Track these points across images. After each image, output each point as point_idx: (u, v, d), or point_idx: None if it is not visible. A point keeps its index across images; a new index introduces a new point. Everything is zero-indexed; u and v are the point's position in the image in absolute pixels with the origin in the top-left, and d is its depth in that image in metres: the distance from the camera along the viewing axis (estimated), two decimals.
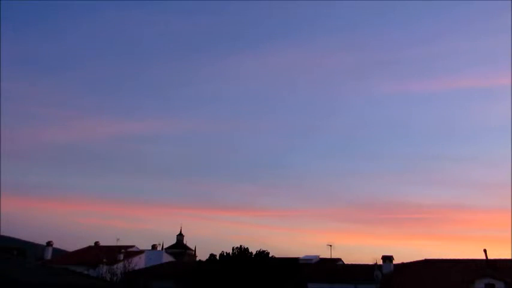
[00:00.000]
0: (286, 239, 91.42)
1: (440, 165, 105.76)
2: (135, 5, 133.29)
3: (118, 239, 45.89)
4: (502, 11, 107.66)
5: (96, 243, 48.43)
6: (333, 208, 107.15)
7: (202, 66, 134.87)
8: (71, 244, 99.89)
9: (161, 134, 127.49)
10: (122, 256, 39.69)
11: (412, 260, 32.65)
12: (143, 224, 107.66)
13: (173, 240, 70.98)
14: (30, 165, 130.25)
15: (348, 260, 37.97)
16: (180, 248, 67.82)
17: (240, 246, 30.67)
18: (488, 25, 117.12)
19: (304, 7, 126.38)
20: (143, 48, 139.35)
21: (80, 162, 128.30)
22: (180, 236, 71.34)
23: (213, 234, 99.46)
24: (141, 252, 44.35)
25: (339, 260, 37.68)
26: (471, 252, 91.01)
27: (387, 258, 31.62)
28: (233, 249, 30.58)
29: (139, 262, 39.98)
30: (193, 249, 69.62)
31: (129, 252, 42.92)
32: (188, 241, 71.90)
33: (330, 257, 37.74)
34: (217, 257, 30.82)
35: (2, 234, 54.12)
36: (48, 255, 42.84)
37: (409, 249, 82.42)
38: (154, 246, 47.81)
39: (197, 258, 55.15)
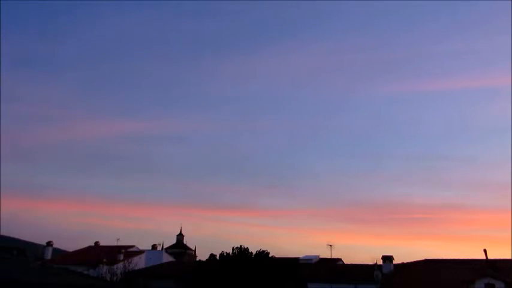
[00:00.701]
0: (286, 239, 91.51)
1: (440, 165, 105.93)
2: (138, 5, 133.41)
3: (118, 239, 46.03)
4: (502, 11, 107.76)
5: (96, 243, 48.45)
6: (333, 208, 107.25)
7: (203, 67, 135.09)
8: (71, 244, 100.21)
9: (161, 134, 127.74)
10: (122, 256, 39.71)
11: (412, 260, 32.69)
12: (143, 224, 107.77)
13: (173, 240, 70.96)
14: (30, 166, 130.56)
15: (348, 260, 38.07)
16: (180, 248, 67.79)
17: (240, 246, 30.64)
18: (488, 25, 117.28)
19: (308, 8, 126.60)
20: (147, 48, 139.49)
21: (80, 162, 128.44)
22: (180, 236, 71.31)
23: (213, 234, 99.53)
24: (141, 252, 44.36)
25: (339, 260, 37.68)
26: (471, 252, 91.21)
27: (387, 258, 31.63)
28: (233, 249, 30.53)
29: (139, 262, 39.98)
30: (193, 249, 69.59)
31: (129, 252, 42.93)
32: (188, 241, 71.90)
33: (330, 257, 37.74)
34: (217, 257, 30.77)
35: (2, 234, 54.16)
36: (48, 255, 42.84)
37: (409, 249, 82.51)
38: (154, 246, 47.83)
39: (197, 258, 55.07)
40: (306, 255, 37.92)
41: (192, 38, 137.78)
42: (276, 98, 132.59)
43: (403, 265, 31.86)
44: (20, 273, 19.86)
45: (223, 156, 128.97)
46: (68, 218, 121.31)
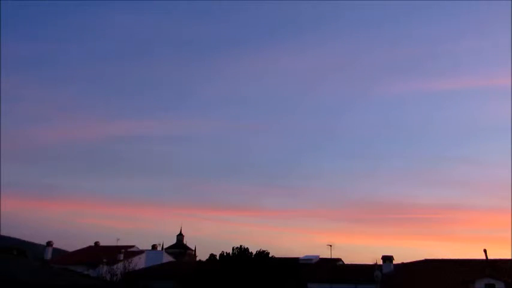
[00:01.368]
0: (286, 239, 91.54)
1: (440, 165, 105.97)
2: (143, 6, 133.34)
3: (118, 239, 46.06)
4: (502, 11, 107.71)
5: (96, 243, 48.45)
6: (333, 208, 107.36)
7: (207, 67, 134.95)
8: (71, 244, 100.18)
9: (162, 134, 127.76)
10: (122, 256, 39.70)
11: (412, 260, 32.67)
12: (143, 224, 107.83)
13: (173, 240, 71.09)
14: (30, 166, 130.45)
15: (348, 260, 38.02)
16: (180, 248, 67.90)
17: (240, 246, 30.68)
18: (488, 25, 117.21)
19: (315, 8, 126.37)
20: (155, 49, 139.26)
21: (80, 162, 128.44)
22: (180, 236, 71.44)
23: (213, 234, 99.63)
24: (141, 252, 44.35)
25: (339, 260, 37.64)
26: (471, 252, 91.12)
27: (387, 258, 31.60)
28: (233, 249, 30.57)
29: (139, 262, 39.96)
30: (193, 249, 69.67)
31: (129, 252, 42.92)
32: (188, 241, 72.04)
33: (330, 257, 37.71)
34: (217, 257, 30.80)
35: (2, 234, 54.10)
36: (48, 255, 42.81)
37: (409, 249, 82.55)
38: (154, 246, 47.82)
39: (197, 258, 55.21)
40: (306, 255, 37.88)
41: (196, 38, 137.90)
42: (280, 99, 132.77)
43: (403, 265, 31.84)
44: (20, 273, 19.84)
45: (223, 156, 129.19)
46: (68, 218, 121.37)
